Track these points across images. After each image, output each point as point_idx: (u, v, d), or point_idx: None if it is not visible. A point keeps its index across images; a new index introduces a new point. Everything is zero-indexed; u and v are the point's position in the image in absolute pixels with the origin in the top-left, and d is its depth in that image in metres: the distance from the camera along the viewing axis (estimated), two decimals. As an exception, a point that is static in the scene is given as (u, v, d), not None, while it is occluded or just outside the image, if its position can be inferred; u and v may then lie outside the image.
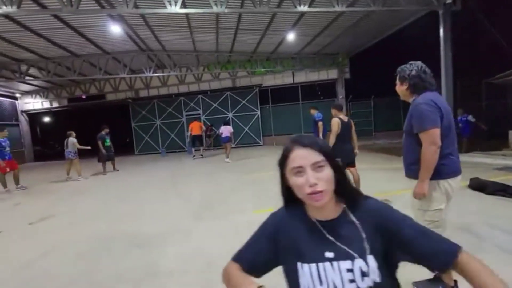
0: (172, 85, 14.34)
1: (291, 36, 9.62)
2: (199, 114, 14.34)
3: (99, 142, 8.73)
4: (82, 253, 3.18)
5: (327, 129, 6.72)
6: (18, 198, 6.36)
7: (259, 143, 13.93)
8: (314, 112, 7.60)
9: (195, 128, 10.61)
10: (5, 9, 5.35)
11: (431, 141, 1.63)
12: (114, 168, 9.28)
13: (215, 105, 14.23)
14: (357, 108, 13.87)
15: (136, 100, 14.70)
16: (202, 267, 2.64)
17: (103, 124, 9.13)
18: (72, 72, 10.77)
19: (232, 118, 14.06)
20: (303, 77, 13.52)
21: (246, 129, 13.88)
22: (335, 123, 3.93)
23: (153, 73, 11.62)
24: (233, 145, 13.51)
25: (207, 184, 6.31)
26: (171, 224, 3.90)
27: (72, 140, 8.03)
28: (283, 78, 13.80)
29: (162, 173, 8.48)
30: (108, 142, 8.93)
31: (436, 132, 1.63)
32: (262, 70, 12.59)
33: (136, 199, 5.48)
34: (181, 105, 14.42)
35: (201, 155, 10.87)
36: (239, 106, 14.07)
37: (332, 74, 13.07)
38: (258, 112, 13.86)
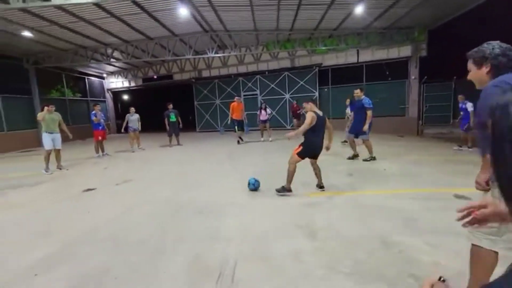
0: (231, 65, 14.72)
1: (359, 9, 8.72)
2: (257, 94, 14.50)
3: (165, 119, 9.82)
4: (154, 214, 3.67)
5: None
6: (106, 163, 7.59)
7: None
8: (360, 95, 6.10)
9: (237, 112, 9.91)
10: (96, -3, 6.16)
11: None
12: (178, 143, 10.24)
13: (272, 85, 14.17)
14: (433, 90, 12.15)
15: (199, 80, 15.61)
16: (258, 239, 2.78)
17: (169, 102, 10.15)
18: (146, 54, 11.93)
19: (289, 99, 13.86)
20: (369, 55, 12.29)
21: (303, 111, 13.53)
22: (310, 117, 3.91)
23: (214, 53, 12.05)
24: (289, 127, 13.47)
25: (262, 162, 6.47)
26: (229, 197, 4.17)
27: (136, 116, 9.24)
28: (346, 57, 12.80)
29: (220, 149, 9.01)
30: (174, 118, 9.87)
31: None
32: (323, 48, 11.85)
33: (197, 171, 5.98)
34: (240, 85, 14.77)
35: (241, 139, 9.85)
36: (297, 86, 13.72)
37: (405, 51, 11.54)
38: (317, 94, 13.31)
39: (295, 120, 11.95)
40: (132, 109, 9.47)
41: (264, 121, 10.29)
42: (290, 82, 13.84)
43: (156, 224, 3.32)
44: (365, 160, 6.08)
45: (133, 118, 9.26)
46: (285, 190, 4.06)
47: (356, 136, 6.24)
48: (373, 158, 6.09)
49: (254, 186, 4.33)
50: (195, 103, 15.74)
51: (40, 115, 6.29)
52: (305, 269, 2.25)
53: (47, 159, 6.38)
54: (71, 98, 14.77)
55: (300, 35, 11.81)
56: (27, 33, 9.13)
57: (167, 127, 9.99)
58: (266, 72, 14.24)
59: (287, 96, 13.93)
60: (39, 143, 10.07)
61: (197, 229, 3.12)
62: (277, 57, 13.87)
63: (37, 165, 6.73)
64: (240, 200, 4.02)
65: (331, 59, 13.09)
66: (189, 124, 17.26)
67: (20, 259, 2.65)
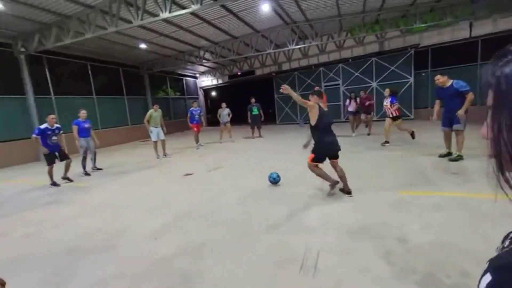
0: (312, 55, 14.35)
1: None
2: (339, 84, 13.74)
3: (248, 112, 10.47)
4: (241, 199, 4.02)
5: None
6: (201, 151, 8.70)
7: (409, 116, 11.84)
8: (444, 80, 4.89)
9: (323, 104, 9.69)
10: (193, 7, 7.01)
11: None
12: (259, 135, 10.76)
13: (356, 73, 13.13)
14: None
15: (279, 73, 15.87)
16: (342, 234, 2.71)
17: (251, 96, 10.72)
18: (231, 52, 12.91)
19: (376, 88, 12.58)
20: (489, 27, 9.85)
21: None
22: (313, 108, 3.65)
23: (295, 45, 11.99)
24: (375, 118, 12.22)
25: (346, 156, 6.16)
26: (313, 189, 4.16)
27: (227, 110, 10.10)
28: (453, 33, 10.64)
29: (300, 141, 8.99)
30: (256, 111, 10.40)
31: None
32: (422, 26, 10.13)
33: (278, 162, 6.18)
34: (320, 76, 14.29)
35: None
36: (387, 73, 12.28)
37: (547, 15, 8.74)
38: (411, 79, 11.60)
39: (363, 116, 9.03)
40: (224, 104, 10.38)
41: (353, 113, 9.09)
42: (378, 69, 12.51)
43: (244, 208, 3.64)
44: (452, 159, 4.97)
45: (224, 113, 10.17)
46: (331, 189, 3.73)
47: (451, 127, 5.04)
48: (460, 157, 4.93)
49: (274, 181, 4.46)
50: (275, 96, 16.12)
51: (148, 114, 7.78)
52: (395, 271, 2.08)
53: (156, 148, 7.91)
54: (173, 96, 17.43)
55: (392, 14, 10.46)
56: (143, 45, 11.20)
57: (249, 120, 10.64)
58: (350, 60, 13.28)
59: (374, 84, 12.66)
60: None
61: (281, 217, 3.27)
62: (362, 42, 12.73)
63: (150, 153, 8.30)
64: (324, 192, 3.97)
65: (432, 38, 11.15)
66: (269, 116, 17.86)
67: (145, 225, 3.38)
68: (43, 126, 5.45)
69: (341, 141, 3.93)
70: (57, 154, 5.61)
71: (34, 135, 5.37)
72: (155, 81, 15.88)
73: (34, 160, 9.22)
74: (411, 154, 5.78)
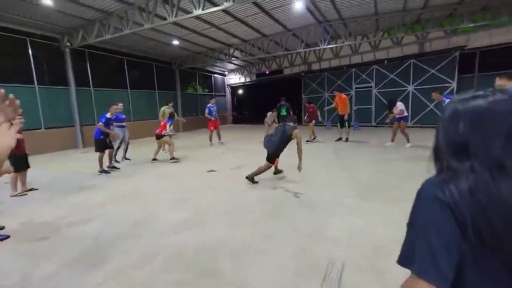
0: (344, 56, 13.83)
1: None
2: (371, 87, 13.10)
3: (276, 112, 10.31)
4: (263, 199, 3.93)
5: None
6: (223, 149, 8.74)
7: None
8: (504, 83, 4.16)
9: (342, 106, 8.70)
10: (226, 4, 7.03)
11: None
12: None
13: (392, 75, 12.41)
14: None
15: (308, 73, 15.51)
16: (369, 248, 2.51)
17: (281, 96, 10.54)
18: (261, 51, 12.83)
19: (412, 92, 11.81)
20: (550, 28, 8.78)
21: (431, 106, 11.22)
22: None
23: (327, 44, 11.61)
24: (410, 124, 11.45)
25: (373, 164, 5.82)
26: (336, 196, 3.96)
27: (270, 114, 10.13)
28: (507, 34, 9.62)
29: (326, 145, 8.70)
30: (284, 112, 10.21)
31: None
32: (471, 26, 9.27)
33: (304, 165, 5.98)
34: (352, 77, 13.73)
35: (346, 138, 8.86)
36: (426, 76, 11.46)
37: None
38: (454, 84, 10.71)
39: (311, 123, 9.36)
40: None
41: (398, 120, 7.79)
42: (416, 71, 11.72)
43: (265, 209, 3.55)
44: None
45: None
46: None
47: None
48: None
49: None
50: (303, 96, 15.79)
51: (161, 110, 8.25)
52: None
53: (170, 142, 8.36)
54: (201, 93, 17.78)
55: (436, 13, 9.71)
56: (175, 42, 11.51)
57: (276, 120, 10.49)
58: (385, 61, 12.59)
59: (411, 88, 11.90)
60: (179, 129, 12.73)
61: (304, 222, 3.13)
62: (400, 43, 12.00)
63: (177, 145, 8.47)
64: (348, 200, 3.75)
65: (481, 39, 10.19)
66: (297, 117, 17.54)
67: (167, 218, 3.41)
68: (108, 115, 5.86)
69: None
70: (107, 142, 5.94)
71: (101, 123, 5.75)
72: (185, 77, 16.29)
73: (73, 147, 9.88)
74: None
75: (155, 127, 11.89)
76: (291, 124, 4.71)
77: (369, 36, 11.62)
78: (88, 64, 10.74)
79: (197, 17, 8.67)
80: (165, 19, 7.82)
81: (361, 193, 3.99)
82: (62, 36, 9.56)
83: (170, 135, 7.05)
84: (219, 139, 9.78)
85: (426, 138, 8.38)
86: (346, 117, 8.83)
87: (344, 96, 8.91)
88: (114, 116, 6.05)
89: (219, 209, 3.62)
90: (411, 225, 0.67)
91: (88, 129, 10.17)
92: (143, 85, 13.43)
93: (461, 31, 10.22)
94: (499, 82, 4.40)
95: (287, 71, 16.58)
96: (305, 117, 9.92)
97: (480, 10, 9.10)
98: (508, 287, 0.60)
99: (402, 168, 5.26)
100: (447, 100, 5.90)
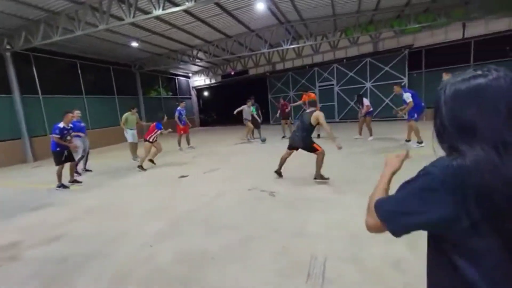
0: (306, 55, 14.31)
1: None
2: (333, 84, 13.75)
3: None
4: (239, 202, 3.89)
5: None
6: (194, 153, 8.51)
7: (402, 116, 11.90)
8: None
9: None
10: (187, 4, 6.83)
11: None
12: (260, 135, 10.56)
13: (351, 73, 13.15)
14: None
15: (273, 73, 15.78)
16: (348, 239, 2.62)
17: (248, 96, 10.51)
18: (225, 52, 12.73)
19: (370, 88, 12.63)
20: (481, 28, 9.99)
21: (387, 100, 12.12)
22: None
23: (289, 45, 11.91)
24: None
25: (343, 157, 6.10)
26: (311, 192, 4.06)
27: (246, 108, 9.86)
28: (447, 34, 10.76)
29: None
30: (253, 112, 10.19)
31: None
32: (416, 26, 10.19)
33: (275, 164, 6.06)
34: (315, 76, 14.26)
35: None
36: (381, 73, 12.35)
37: (537, 17, 8.91)
38: (405, 80, 11.68)
39: (283, 121, 9.98)
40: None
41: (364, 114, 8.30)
42: (372, 69, 12.56)
43: (243, 211, 3.51)
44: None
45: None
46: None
47: None
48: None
49: None
50: (269, 96, 16.01)
51: (124, 117, 7.74)
52: (407, 279, 1.99)
53: (133, 150, 7.93)
54: (165, 96, 17.11)
55: (387, 15, 10.50)
56: (134, 44, 10.92)
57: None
58: (344, 60, 13.30)
59: (368, 84, 12.72)
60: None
61: (282, 221, 3.15)
62: (357, 43, 12.76)
63: (141, 154, 8.03)
64: (323, 195, 3.88)
65: (425, 38, 11.25)
66: (263, 116, 17.75)
67: (140, 231, 3.21)
68: (61, 125, 5.26)
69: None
70: (66, 154, 5.38)
71: (55, 135, 5.15)
72: (147, 80, 15.54)
73: (21, 162, 8.85)
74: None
75: (115, 135, 11.18)
76: (307, 110, 4.50)
77: (328, 36, 12.17)
78: (34, 68, 9.71)
79: (157, 18, 8.32)
80: (122, 19, 7.36)
81: (335, 187, 4.15)
82: (1, 38, 8.51)
83: (156, 139, 6.78)
84: (188, 144, 9.50)
85: (385, 132, 9.03)
86: None
87: (312, 94, 9.24)
88: (71, 125, 5.54)
89: (195, 216, 3.50)
90: (406, 188, 0.71)
91: (39, 141, 9.21)
92: (100, 90, 12.52)
93: (408, 31, 11.18)
94: (446, 77, 4.93)
95: (252, 72, 16.69)
96: (278, 114, 10.18)
97: (423, 12, 10.05)
98: (502, 271, 0.62)
99: (369, 160, 5.58)
100: (405, 94, 6.49)
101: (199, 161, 7.12)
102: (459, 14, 9.47)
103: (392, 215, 0.74)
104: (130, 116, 7.78)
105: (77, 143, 6.11)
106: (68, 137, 5.43)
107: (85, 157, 6.62)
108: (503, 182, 0.58)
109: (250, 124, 9.74)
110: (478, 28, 10.06)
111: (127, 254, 2.70)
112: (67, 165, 5.44)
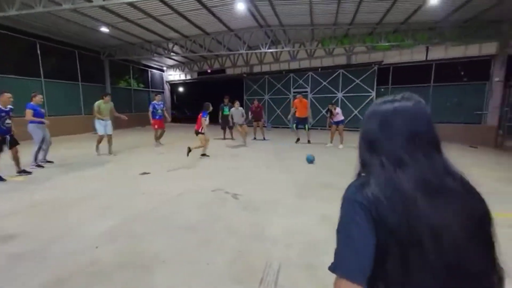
0: (283, 61, 14.51)
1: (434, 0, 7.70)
2: (307, 91, 14.05)
3: (220, 112, 10.12)
4: (201, 203, 3.76)
5: None
6: (162, 149, 8.15)
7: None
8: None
9: (301, 109, 9.01)
10: (163, -6, 6.57)
11: None
12: (231, 136, 10.46)
13: (324, 83, 13.56)
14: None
15: (250, 75, 15.77)
16: (305, 246, 2.62)
17: (224, 96, 10.38)
18: (202, 48, 12.46)
19: (341, 98, 13.12)
20: (441, 52, 10.86)
21: (356, 111, 12.68)
22: None
23: (267, 48, 11.99)
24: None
25: (315, 165, 6.22)
26: (276, 196, 4.06)
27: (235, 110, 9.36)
28: (412, 55, 11.54)
29: (268, 146, 8.96)
30: (227, 112, 10.03)
31: None
32: (386, 44, 10.82)
33: (245, 167, 6.01)
34: (290, 82, 14.50)
35: (308, 140, 9.09)
36: (352, 85, 12.89)
37: (488, 48, 9.87)
38: (373, 94, 12.31)
39: (255, 123, 10.12)
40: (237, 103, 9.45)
41: (337, 123, 8.46)
42: (344, 80, 13.07)
43: (203, 213, 3.39)
44: None
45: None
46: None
47: None
48: None
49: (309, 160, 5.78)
50: (245, 97, 15.97)
51: (96, 105, 6.89)
52: None
53: (99, 142, 7.06)
54: (136, 88, 16.31)
55: (360, 30, 11.01)
56: (104, 29, 10.25)
57: (219, 120, 10.30)
58: (319, 69, 13.68)
59: (340, 95, 13.21)
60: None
61: (242, 224, 3.09)
62: (332, 54, 13.22)
63: (105, 146, 7.51)
64: (287, 200, 3.88)
65: (394, 57, 11.97)
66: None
67: (88, 229, 2.94)
68: None
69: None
70: (7, 139, 4.76)
71: None
72: (117, 69, 14.71)
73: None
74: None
75: (77, 124, 10.52)
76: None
77: (305, 45, 12.46)
78: (-16, 44, 8.70)
79: (131, 4, 7.91)
80: (90, 1, 6.87)
81: (299, 192, 4.18)
82: None
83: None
84: (159, 139, 9.09)
85: (354, 140, 9.41)
86: (311, 120, 9.47)
87: (304, 100, 9.37)
88: (10, 107, 4.82)
89: (151, 216, 3.31)
90: (338, 230, 0.71)
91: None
92: (62, 75, 11.58)
93: (379, 48, 11.81)
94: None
95: (229, 71, 16.54)
96: (250, 116, 10.04)
97: (393, 32, 10.69)
98: (421, 277, 0.63)
99: (337, 167, 5.74)
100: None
101: (166, 158, 6.83)
102: (423, 38, 10.22)
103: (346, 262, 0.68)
104: (102, 104, 6.98)
105: (37, 131, 5.54)
106: (8, 121, 4.79)
107: (46, 147, 5.97)
108: (399, 196, 0.64)
109: (245, 128, 9.16)
110: (439, 53, 10.93)
111: (68, 256, 2.45)
112: (9, 153, 4.88)
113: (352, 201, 0.70)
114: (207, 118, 6.67)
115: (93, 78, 13.14)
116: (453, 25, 9.62)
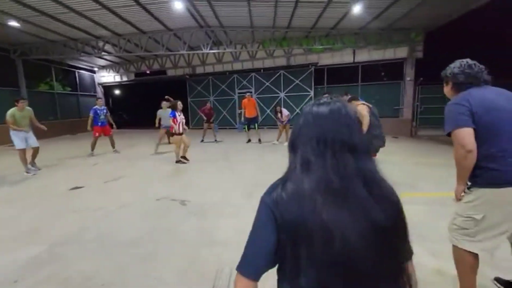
0: (226, 62, 14.50)
1: (357, 8, 8.65)
2: (251, 92, 14.34)
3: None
4: (145, 213, 3.51)
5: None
6: (95, 159, 7.34)
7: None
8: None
9: (250, 108, 9.27)
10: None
11: (457, 143, 1.56)
12: (168, 141, 9.93)
13: (267, 83, 14.02)
14: (428, 92, 12.27)
15: (193, 76, 15.34)
16: (254, 244, 2.66)
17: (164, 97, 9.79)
18: (139, 48, 11.62)
19: (283, 98, 13.75)
20: (366, 55, 12.28)
21: (298, 110, 13.44)
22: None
23: (209, 49, 11.83)
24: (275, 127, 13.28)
25: (257, 163, 6.36)
26: (224, 197, 4.03)
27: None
28: (342, 57, 12.76)
29: (215, 148, 8.85)
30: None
31: (462, 133, 1.53)
32: (320, 47, 11.76)
33: (191, 170, 5.82)
34: (234, 83, 14.58)
35: (259, 139, 9.31)
36: (292, 85, 13.62)
37: (401, 52, 11.55)
38: (312, 93, 13.23)
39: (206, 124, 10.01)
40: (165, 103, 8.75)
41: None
42: (285, 81, 13.72)
43: (147, 225, 3.17)
44: None
45: (166, 115, 8.29)
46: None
47: None
48: None
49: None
50: (189, 99, 15.48)
51: (9, 115, 5.57)
52: None
53: (24, 160, 5.77)
54: (61, 91, 14.32)
55: (297, 34, 11.71)
56: (14, 23, 8.74)
57: (157, 125, 9.62)
58: (262, 70, 14.08)
59: (282, 95, 13.83)
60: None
61: (191, 231, 2.99)
62: (273, 55, 13.73)
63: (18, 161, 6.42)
64: (235, 200, 3.89)
65: (327, 59, 13.03)
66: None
67: (6, 259, 2.46)
68: None
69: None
70: None
71: None
72: (35, 70, 12.66)
73: None
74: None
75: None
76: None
77: (247, 46, 12.68)
78: None
79: (46, -4, 6.90)
80: (-10, -11, 5.76)
81: (247, 192, 4.23)
82: None
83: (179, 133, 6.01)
84: (113, 147, 8.24)
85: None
86: (259, 119, 9.68)
87: (253, 99, 9.47)
88: None
89: (85, 236, 2.95)
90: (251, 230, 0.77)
91: None
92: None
93: (314, 50, 12.75)
94: (344, 98, 5.81)
95: (171, 73, 15.80)
96: (204, 119, 10.00)
97: (325, 36, 11.67)
98: (311, 272, 0.66)
99: (282, 165, 5.97)
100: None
101: (101, 169, 6.17)
102: (351, 41, 11.40)
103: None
104: (17, 113, 5.66)
105: None
106: None
107: None
108: (299, 197, 0.68)
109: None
110: (364, 55, 12.33)
111: (-26, 297, 2.02)
112: None
113: (262, 202, 0.76)
114: (181, 115, 6.14)
115: (3, 81, 11.09)
116: (373, 31, 10.97)
